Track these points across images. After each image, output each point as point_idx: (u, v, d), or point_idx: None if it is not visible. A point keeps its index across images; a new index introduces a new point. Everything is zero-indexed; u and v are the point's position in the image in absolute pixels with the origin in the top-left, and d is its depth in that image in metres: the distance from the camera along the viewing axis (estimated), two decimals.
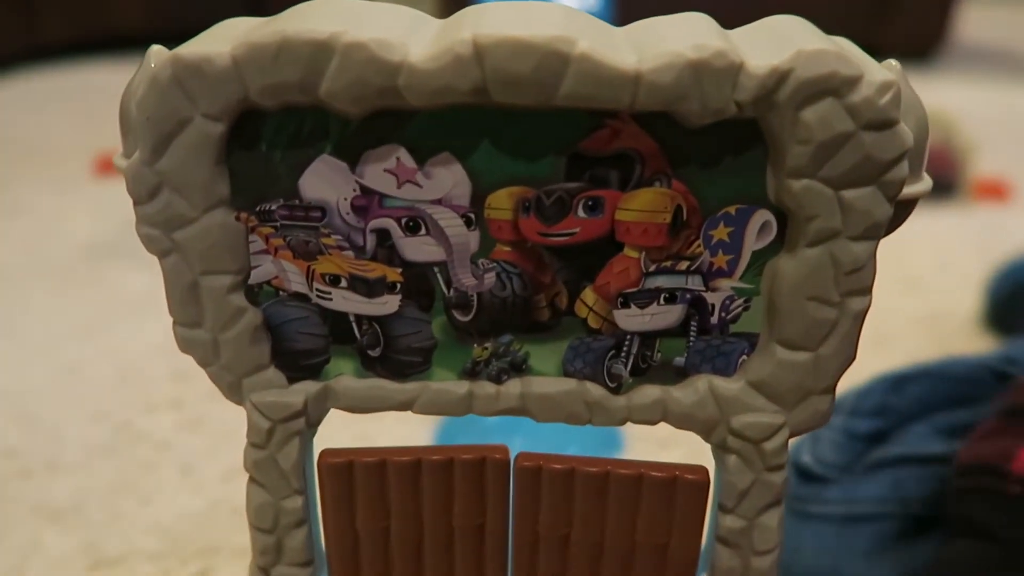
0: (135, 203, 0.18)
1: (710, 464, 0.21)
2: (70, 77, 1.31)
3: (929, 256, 0.77)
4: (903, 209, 0.18)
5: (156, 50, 0.18)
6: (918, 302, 0.70)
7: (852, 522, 0.38)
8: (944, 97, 1.15)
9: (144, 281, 0.67)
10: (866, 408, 0.42)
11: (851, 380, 0.44)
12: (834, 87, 0.16)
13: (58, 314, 0.64)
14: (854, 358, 0.19)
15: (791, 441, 0.20)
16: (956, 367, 0.44)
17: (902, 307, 0.69)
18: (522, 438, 0.38)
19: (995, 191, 0.90)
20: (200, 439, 0.49)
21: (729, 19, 0.19)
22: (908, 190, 0.18)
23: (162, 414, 0.52)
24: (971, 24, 1.65)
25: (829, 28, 0.18)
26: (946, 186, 0.86)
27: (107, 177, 0.89)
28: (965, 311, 0.69)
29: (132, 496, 0.45)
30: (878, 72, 0.16)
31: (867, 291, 0.18)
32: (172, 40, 0.17)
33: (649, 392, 0.20)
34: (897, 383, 0.43)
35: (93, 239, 0.77)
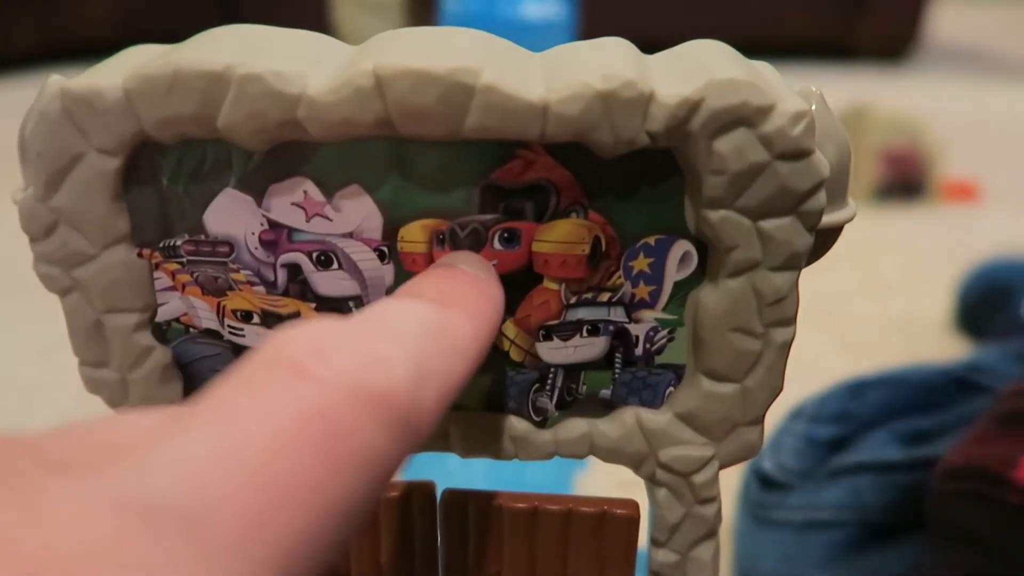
0: (31, 240, 0.17)
1: None
2: (38, 87, 1.29)
3: (898, 258, 0.77)
4: (826, 237, 0.18)
5: (51, 80, 0.17)
6: (887, 305, 0.70)
7: (811, 529, 0.38)
8: (915, 98, 1.16)
9: None
10: (827, 414, 0.42)
11: (821, 384, 0.44)
12: (746, 117, 0.16)
13: (19, 331, 0.63)
14: (781, 389, 0.19)
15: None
16: (917, 374, 0.44)
17: (871, 310, 0.69)
18: (483, 467, 0.38)
19: (964, 192, 0.90)
20: None
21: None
22: (829, 218, 0.17)
23: None
24: (944, 24, 1.66)
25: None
26: (915, 188, 0.86)
27: None
28: (935, 314, 0.69)
29: None
30: (791, 101, 0.16)
31: (790, 322, 0.18)
32: None
33: (576, 426, 0.19)
34: (857, 389, 0.43)
35: None
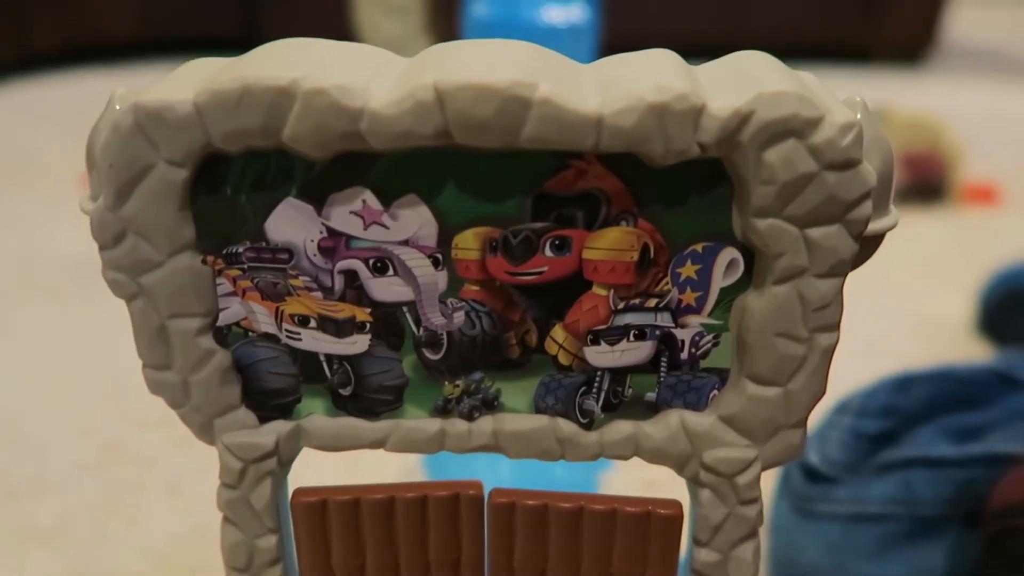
0: (100, 248, 0.18)
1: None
2: (61, 87, 1.31)
3: (918, 261, 0.77)
4: (869, 244, 0.18)
5: (119, 94, 0.18)
6: (907, 308, 0.70)
7: (860, 522, 0.38)
8: (933, 100, 1.16)
9: None
10: (873, 408, 0.42)
11: (840, 386, 0.44)
12: (796, 128, 0.16)
13: (46, 329, 0.64)
14: (824, 392, 0.19)
15: None
16: (961, 369, 0.44)
17: (892, 313, 0.69)
18: (508, 463, 0.38)
19: (984, 195, 0.90)
20: (188, 457, 0.49)
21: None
22: (873, 226, 0.18)
23: (151, 431, 0.52)
24: (961, 26, 1.65)
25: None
26: (934, 190, 0.86)
27: None
28: (955, 317, 0.69)
29: (119, 516, 0.45)
30: (840, 112, 0.16)
31: (835, 327, 0.18)
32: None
33: (621, 428, 0.20)
34: (904, 384, 0.43)
35: (81, 252, 0.77)
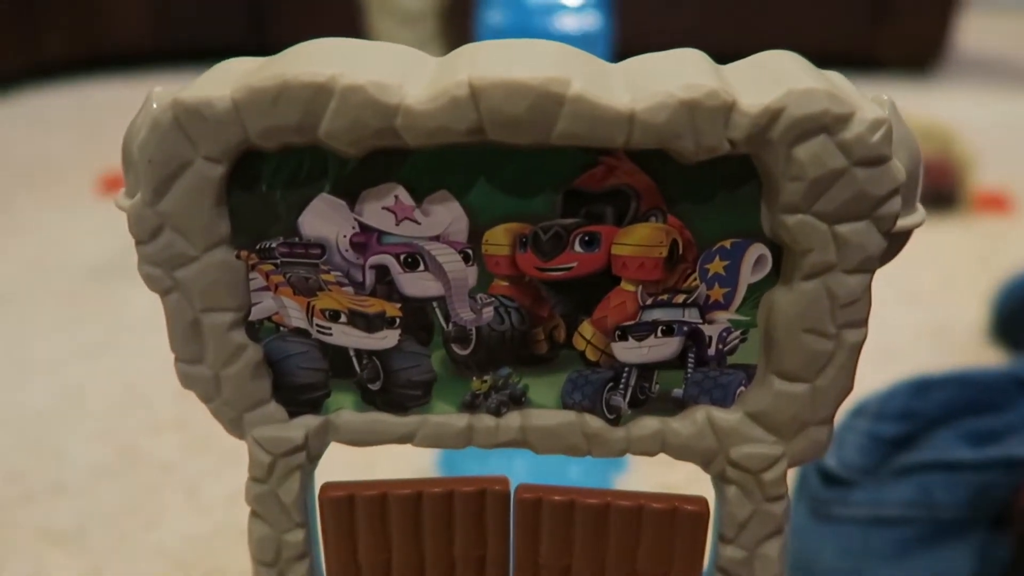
0: (137, 243, 0.18)
1: (712, 486, 0.21)
2: (72, 95, 1.32)
3: (931, 269, 0.77)
4: (897, 241, 0.18)
5: (157, 92, 0.18)
6: (921, 315, 0.70)
7: (877, 525, 0.38)
8: (943, 108, 1.16)
9: (148, 301, 0.67)
10: (891, 412, 0.42)
11: (859, 392, 0.44)
12: (826, 125, 0.16)
13: (61, 334, 0.65)
14: (851, 389, 0.19)
15: None
16: (979, 374, 0.44)
17: (905, 320, 0.69)
18: (523, 460, 0.38)
19: (996, 203, 0.90)
20: (205, 460, 0.50)
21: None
22: (902, 223, 0.18)
23: (166, 435, 0.52)
24: (970, 34, 1.65)
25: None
26: (946, 198, 0.86)
27: (111, 195, 0.90)
28: (969, 324, 0.69)
29: (137, 519, 0.45)
30: (869, 109, 0.16)
31: (863, 323, 0.18)
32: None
33: (648, 424, 0.20)
34: (921, 388, 0.43)
35: (97, 258, 0.77)
